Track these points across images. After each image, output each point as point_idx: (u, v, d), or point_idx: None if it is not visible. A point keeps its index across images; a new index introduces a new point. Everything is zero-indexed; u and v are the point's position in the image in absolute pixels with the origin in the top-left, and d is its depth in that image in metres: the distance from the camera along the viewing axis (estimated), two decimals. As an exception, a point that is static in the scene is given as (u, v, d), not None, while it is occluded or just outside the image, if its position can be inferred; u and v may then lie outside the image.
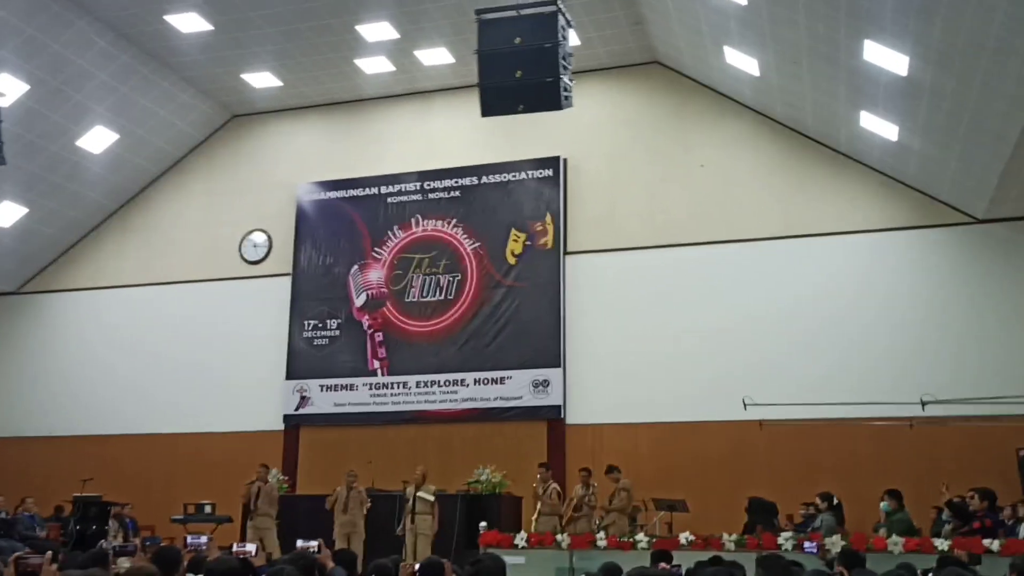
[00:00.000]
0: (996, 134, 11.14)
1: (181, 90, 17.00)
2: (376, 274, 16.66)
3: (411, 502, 12.19)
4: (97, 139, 16.79)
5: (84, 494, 13.86)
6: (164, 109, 17.10)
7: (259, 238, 17.60)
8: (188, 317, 17.45)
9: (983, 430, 12.71)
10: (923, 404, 11.35)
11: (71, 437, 17.33)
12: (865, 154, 14.37)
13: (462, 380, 15.68)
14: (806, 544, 9.67)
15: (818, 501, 11.74)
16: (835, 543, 9.61)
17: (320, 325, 16.70)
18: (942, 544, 9.52)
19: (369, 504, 12.66)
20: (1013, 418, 12.56)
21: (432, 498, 12.25)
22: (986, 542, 9.36)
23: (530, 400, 15.27)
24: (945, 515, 11.06)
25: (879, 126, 13.24)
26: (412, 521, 12.08)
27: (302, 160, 17.67)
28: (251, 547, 7.79)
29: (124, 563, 6.01)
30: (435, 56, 16.06)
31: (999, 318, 13.69)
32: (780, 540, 10.13)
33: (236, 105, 17.97)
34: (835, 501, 11.70)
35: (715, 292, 14.91)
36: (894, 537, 9.78)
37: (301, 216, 17.31)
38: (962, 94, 10.97)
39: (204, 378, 16.99)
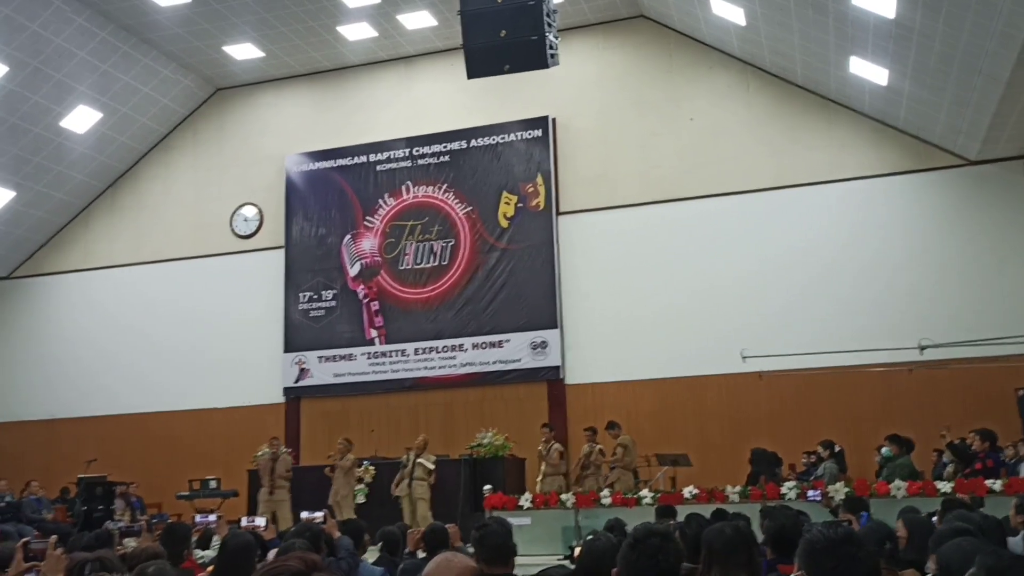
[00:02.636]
0: (987, 74, 11.05)
1: (163, 65, 16.77)
2: (369, 243, 16.59)
3: (409, 467, 12.28)
4: (81, 119, 16.59)
5: (89, 475, 13.89)
6: (147, 85, 16.89)
7: (249, 212, 17.49)
8: (182, 294, 17.38)
9: (982, 371, 12.75)
10: (921, 348, 11.39)
11: (70, 419, 17.32)
12: (856, 100, 14.27)
13: (460, 345, 15.67)
14: (810, 492, 9.75)
15: (820, 449, 11.81)
16: (838, 490, 9.69)
17: (315, 296, 16.65)
18: (945, 487, 9.59)
19: (373, 470, 12.74)
20: (1011, 358, 12.61)
21: (432, 466, 12.33)
22: (989, 482, 9.44)
23: (529, 362, 15.28)
24: (946, 457, 11.14)
25: (869, 71, 13.12)
26: (409, 486, 12.17)
27: (289, 131, 17.51)
28: (260, 521, 7.81)
29: (130, 543, 6.01)
30: (418, 19, 15.85)
31: (994, 259, 13.69)
32: (784, 490, 10.21)
33: (219, 78, 17.75)
34: (836, 448, 11.77)
35: (709, 246, 14.86)
36: (897, 482, 9.85)
37: (291, 188, 17.19)
38: (951, 35, 10.86)
39: (202, 354, 16.96)
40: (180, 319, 17.26)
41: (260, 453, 13.74)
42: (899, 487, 9.76)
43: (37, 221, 17.97)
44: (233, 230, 17.49)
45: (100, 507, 13.34)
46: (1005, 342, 12.09)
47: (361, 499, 12.88)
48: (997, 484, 9.41)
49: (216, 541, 6.59)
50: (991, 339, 12.14)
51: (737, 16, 13.94)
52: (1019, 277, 13.52)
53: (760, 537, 4.50)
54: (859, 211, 14.37)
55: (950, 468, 10.78)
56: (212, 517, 7.37)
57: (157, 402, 17.01)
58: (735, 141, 15.08)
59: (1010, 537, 5.20)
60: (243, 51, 16.69)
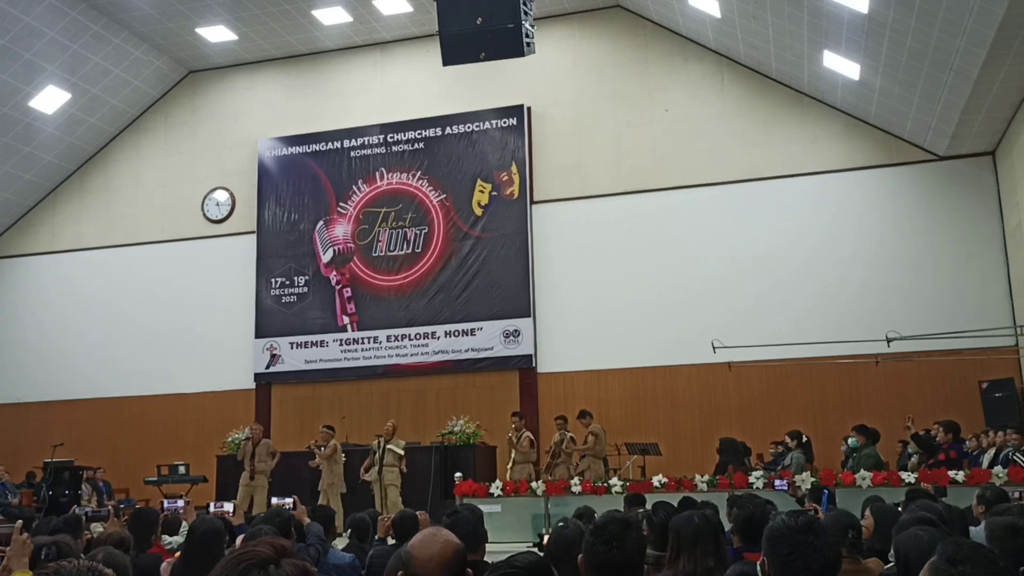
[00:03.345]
0: (957, 71, 11.17)
1: (134, 46, 16.56)
2: (342, 229, 16.52)
3: (379, 453, 12.26)
4: (49, 99, 16.35)
5: (55, 459, 13.76)
6: (117, 67, 16.66)
7: (221, 196, 17.35)
8: (153, 278, 17.22)
9: (946, 364, 12.95)
10: (888, 341, 11.51)
11: (38, 403, 17.14)
12: (828, 94, 14.38)
13: (433, 333, 15.66)
14: (777, 482, 9.85)
15: (787, 439, 11.93)
16: (805, 480, 9.80)
17: (287, 282, 16.56)
18: (909, 477, 9.74)
19: (343, 458, 12.71)
20: (975, 351, 12.82)
21: (401, 451, 12.33)
22: (951, 473, 9.59)
23: (501, 350, 15.31)
24: (910, 448, 11.31)
25: (842, 65, 13.22)
26: (380, 473, 12.15)
27: (262, 115, 17.37)
28: (228, 506, 7.79)
29: (97, 528, 5.97)
30: (393, 5, 15.75)
31: (961, 253, 13.87)
32: (751, 479, 10.32)
33: (192, 60, 17.56)
34: (804, 439, 11.90)
35: (682, 237, 14.94)
36: (862, 472, 9.99)
37: (263, 172, 17.06)
38: (923, 31, 10.97)
39: (172, 339, 16.83)
40: (150, 303, 17.11)
41: (231, 439, 13.67)
42: (864, 477, 9.89)
43: (4, 202, 17.71)
44: (204, 214, 17.35)
45: (67, 492, 13.24)
46: (970, 335, 12.27)
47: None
48: (960, 475, 9.57)
49: (184, 527, 6.56)
50: (956, 332, 12.32)
51: (712, 8, 13.99)
52: (985, 271, 13.72)
53: (727, 526, 4.55)
54: (830, 204, 14.50)
55: (914, 459, 10.94)
56: (180, 503, 7.33)
57: (126, 387, 16.86)
58: (709, 133, 15.15)
59: (972, 527, 5.29)
60: (216, 33, 16.51)
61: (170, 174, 17.70)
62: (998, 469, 9.50)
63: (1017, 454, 9.64)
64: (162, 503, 7.96)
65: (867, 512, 5.00)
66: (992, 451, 10.37)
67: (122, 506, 11.83)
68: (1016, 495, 6.74)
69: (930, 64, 11.50)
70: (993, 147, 13.66)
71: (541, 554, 4.04)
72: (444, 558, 2.57)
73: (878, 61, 12.38)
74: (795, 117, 14.82)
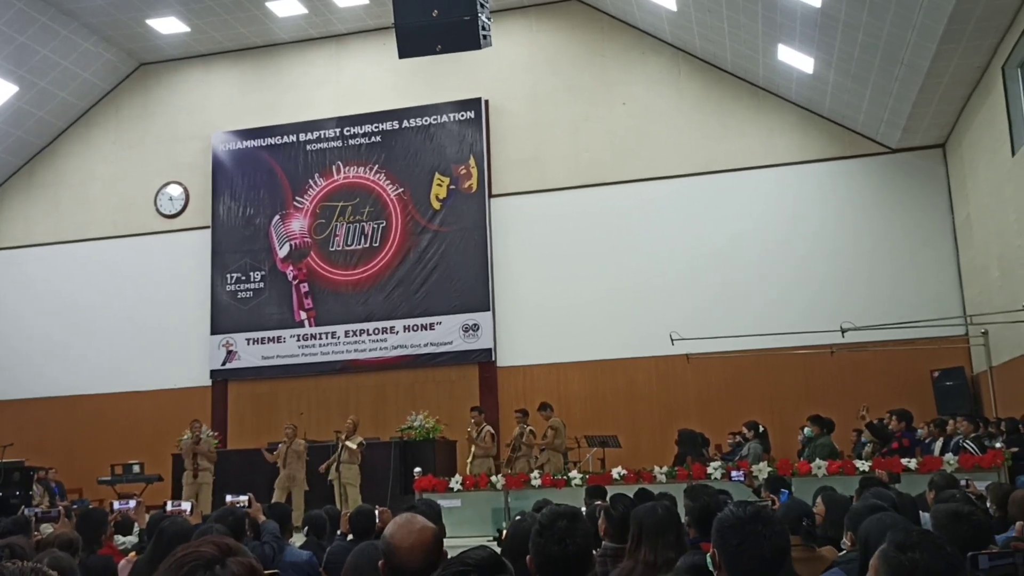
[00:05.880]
0: (908, 64, 11.33)
1: (83, 38, 16.22)
2: (298, 224, 16.35)
3: (338, 451, 12.18)
4: (-5, 92, 16.00)
5: (5, 460, 13.47)
6: (66, 59, 16.32)
7: (175, 191, 17.08)
8: (105, 275, 16.93)
9: (899, 354, 13.16)
10: (843, 331, 11.65)
11: (-12, 403, 16.79)
12: (783, 88, 14.52)
13: (391, 327, 15.58)
14: (734, 473, 9.92)
15: (745, 430, 12.04)
16: (762, 470, 9.89)
17: (243, 278, 16.37)
18: (863, 465, 9.88)
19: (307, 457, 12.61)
20: (927, 340, 13.05)
21: (355, 446, 12.26)
22: (904, 461, 9.75)
23: (461, 344, 15.27)
24: (864, 437, 11.46)
25: (796, 59, 13.35)
26: (337, 469, 12.07)
27: (216, 109, 17.12)
28: (186, 505, 7.66)
29: (47, 529, 5.86)
30: (349, -3, 15.62)
31: (912, 244, 14.10)
32: (709, 470, 10.40)
33: (143, 53, 17.25)
34: (761, 429, 12.01)
35: (640, 229, 15.01)
36: (818, 461, 10.11)
37: (217, 167, 16.82)
38: (874, 25, 11.11)
39: (126, 336, 16.57)
40: (103, 300, 16.82)
41: (184, 437, 13.51)
42: (820, 466, 10.02)
43: (-50, 198, 17.30)
44: (158, 209, 17.08)
45: (17, 493, 12.96)
46: (920, 325, 12.49)
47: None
48: (912, 462, 9.72)
49: (136, 528, 6.45)
50: (909, 322, 12.52)
51: (668, 1, 14.05)
52: (937, 262, 13.96)
53: (683, 517, 4.56)
54: (785, 196, 14.65)
55: (868, 447, 11.10)
56: (130, 503, 7.21)
57: (79, 384, 16.57)
58: (666, 126, 15.23)
59: (924, 513, 5.37)
60: (168, 25, 16.23)
61: (122, 168, 17.39)
62: (949, 456, 9.67)
63: (967, 441, 9.82)
64: (111, 503, 7.82)
65: (818, 500, 5.06)
66: (943, 438, 10.55)
67: (75, 506, 11.60)
68: (964, 482, 6.87)
69: (882, 58, 11.65)
70: (943, 140, 13.89)
71: (496, 549, 4.02)
72: (425, 545, 2.64)
73: (831, 55, 12.51)
74: (751, 110, 14.94)
